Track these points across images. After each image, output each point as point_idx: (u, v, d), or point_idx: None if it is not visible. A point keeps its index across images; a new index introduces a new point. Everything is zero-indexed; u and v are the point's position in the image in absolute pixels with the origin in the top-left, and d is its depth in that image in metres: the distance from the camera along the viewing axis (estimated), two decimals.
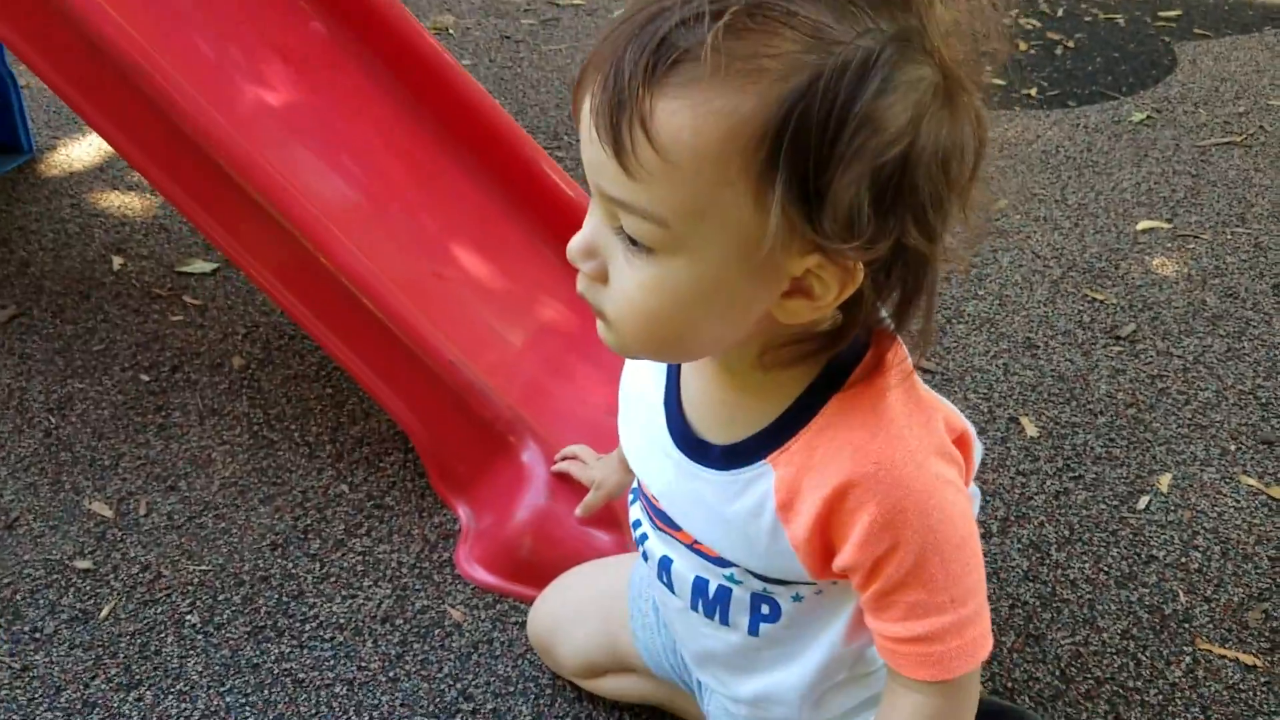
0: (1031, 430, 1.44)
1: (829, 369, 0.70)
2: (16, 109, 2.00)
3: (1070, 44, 2.55)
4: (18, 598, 1.23)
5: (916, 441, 0.68)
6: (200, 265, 1.74)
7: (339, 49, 1.51)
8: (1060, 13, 2.72)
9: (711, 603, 0.82)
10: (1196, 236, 1.84)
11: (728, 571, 0.79)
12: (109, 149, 2.05)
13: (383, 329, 1.26)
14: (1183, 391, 1.51)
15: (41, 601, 1.22)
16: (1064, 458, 1.40)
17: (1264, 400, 1.49)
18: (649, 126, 0.58)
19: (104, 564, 1.27)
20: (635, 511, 0.89)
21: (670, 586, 0.85)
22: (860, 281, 0.62)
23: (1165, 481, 1.36)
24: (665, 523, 0.82)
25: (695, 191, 0.60)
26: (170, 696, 1.12)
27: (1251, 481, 1.36)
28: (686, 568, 0.82)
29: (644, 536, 0.87)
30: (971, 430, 0.77)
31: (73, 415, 1.47)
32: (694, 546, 0.80)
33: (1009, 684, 1.12)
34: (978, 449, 0.79)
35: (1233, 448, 1.41)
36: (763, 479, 0.72)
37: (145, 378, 1.53)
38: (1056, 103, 2.26)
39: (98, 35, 1.21)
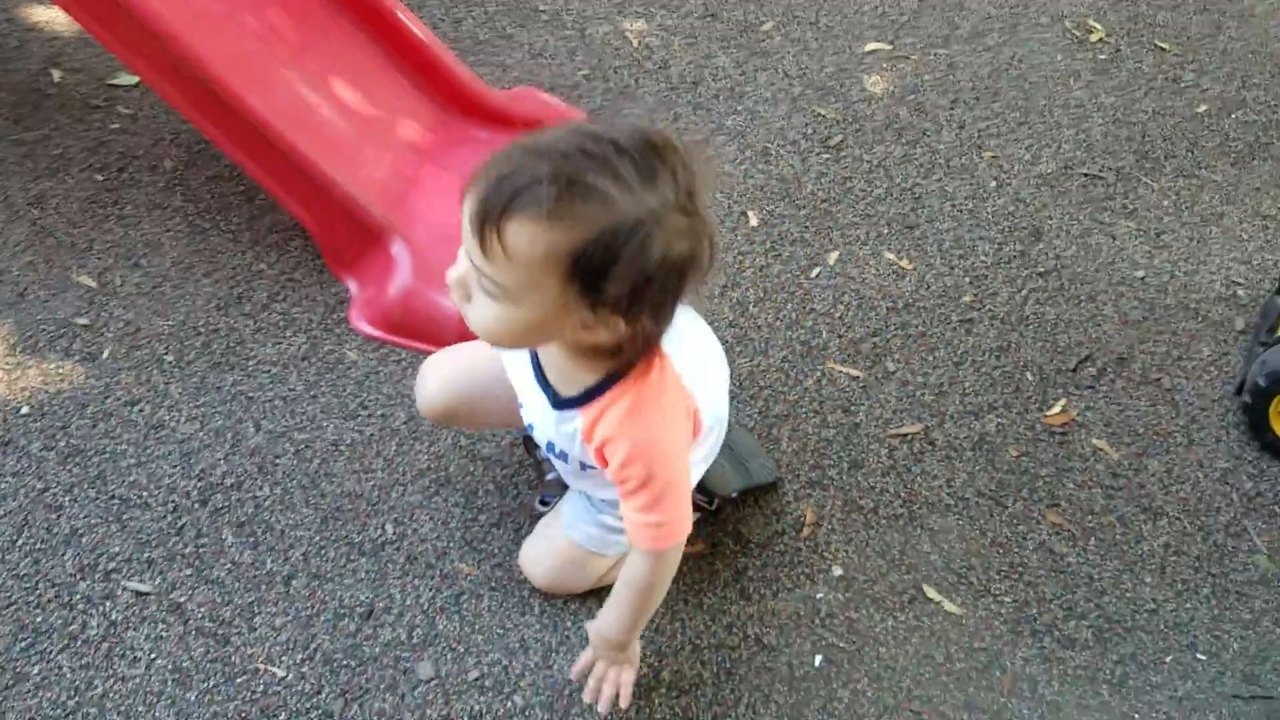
0: (754, 221, 2.06)
1: (620, 367, 1.20)
2: None
3: None
4: (40, 345, 1.77)
5: (653, 412, 1.21)
6: (126, 78, 2.17)
7: None
8: None
9: (558, 454, 1.37)
10: (907, 57, 2.41)
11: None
12: None
13: (282, 154, 1.76)
14: (864, 189, 2.13)
15: (58, 347, 1.77)
16: (771, 241, 2.03)
17: (918, 195, 2.13)
18: (502, 237, 1.03)
19: (97, 321, 1.81)
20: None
21: (533, 432, 1.41)
22: (620, 332, 1.11)
23: (833, 257, 2.01)
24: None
25: (524, 278, 1.06)
26: (162, 409, 1.72)
27: (891, 256, 2.02)
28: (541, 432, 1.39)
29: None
30: (703, 413, 1.32)
31: (49, 208, 1.96)
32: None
33: None
34: (705, 424, 1.34)
35: (885, 231, 2.06)
36: (576, 419, 1.26)
37: (99, 178, 2.01)
38: None
39: None
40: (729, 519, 1.66)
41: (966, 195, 2.14)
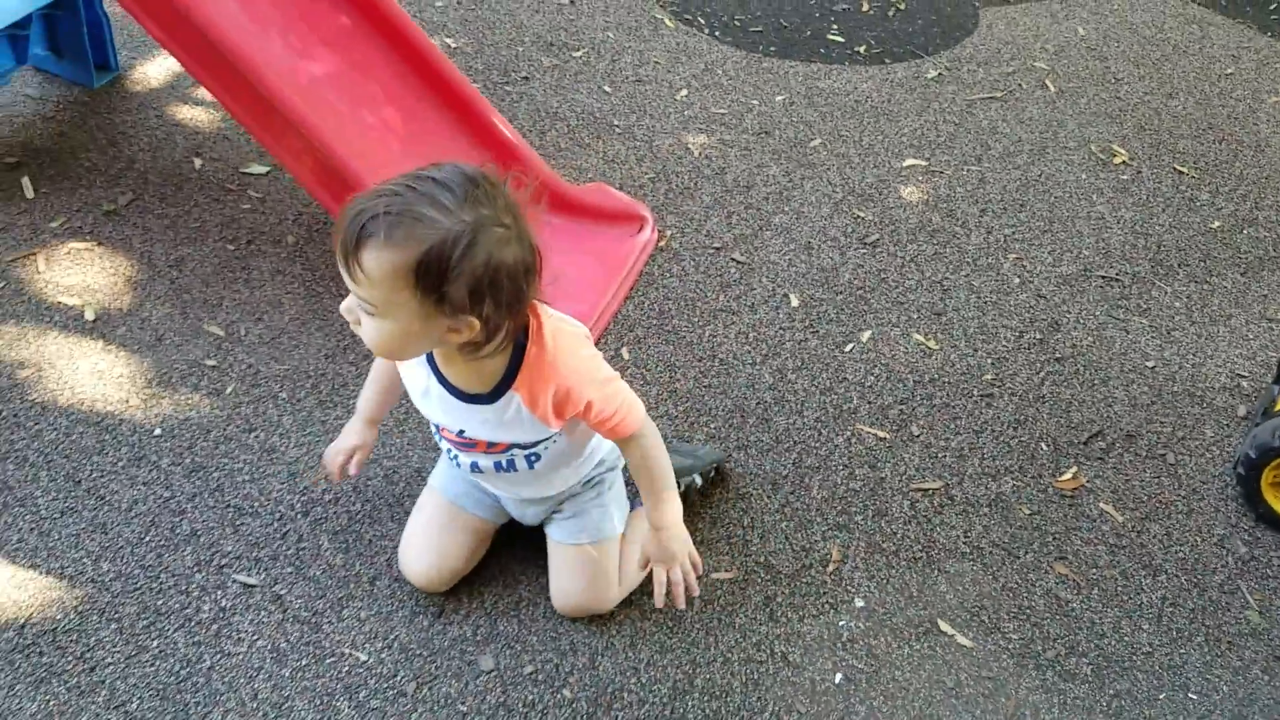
0: (795, 303, 2.30)
1: (514, 344, 1.43)
2: (107, 34, 2.70)
3: (902, 6, 3.32)
4: (173, 380, 2.06)
5: (568, 353, 1.47)
6: (258, 168, 2.52)
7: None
8: None
9: (506, 466, 1.63)
10: (941, 172, 2.67)
11: (509, 453, 1.61)
12: (177, 67, 2.78)
13: None
14: (896, 280, 2.37)
15: (189, 383, 2.06)
16: (810, 320, 2.27)
17: (946, 287, 2.36)
18: (361, 264, 1.27)
19: (224, 363, 2.10)
20: (444, 447, 1.65)
21: (481, 471, 1.66)
22: (476, 329, 1.33)
23: (866, 335, 2.24)
24: (467, 445, 1.60)
25: (385, 294, 1.29)
26: (274, 436, 1.98)
27: (919, 337, 2.25)
28: (488, 461, 1.63)
29: (455, 456, 1.65)
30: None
31: (187, 270, 2.27)
32: (488, 450, 1.59)
33: (747, 440, 2.02)
34: None
35: (914, 316, 2.29)
36: (514, 397, 1.48)
37: (230, 247, 2.34)
38: (875, 60, 3.05)
39: None
40: (759, 551, 1.86)
41: (991, 290, 2.37)
